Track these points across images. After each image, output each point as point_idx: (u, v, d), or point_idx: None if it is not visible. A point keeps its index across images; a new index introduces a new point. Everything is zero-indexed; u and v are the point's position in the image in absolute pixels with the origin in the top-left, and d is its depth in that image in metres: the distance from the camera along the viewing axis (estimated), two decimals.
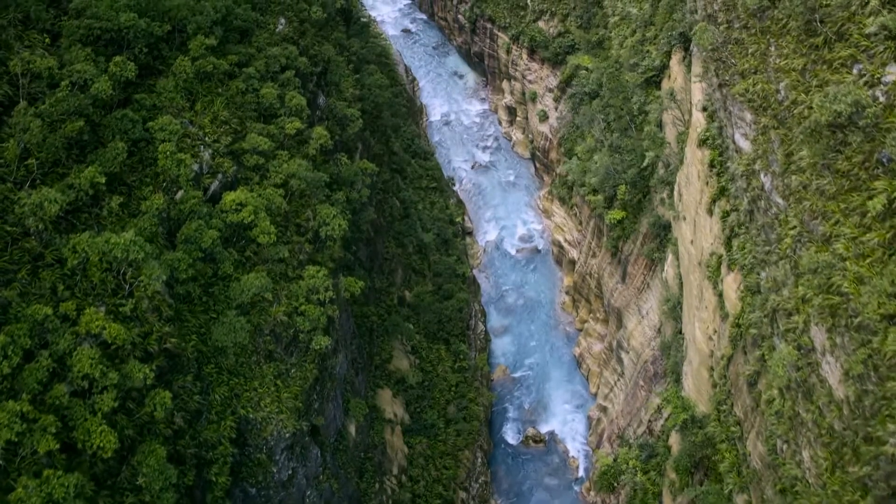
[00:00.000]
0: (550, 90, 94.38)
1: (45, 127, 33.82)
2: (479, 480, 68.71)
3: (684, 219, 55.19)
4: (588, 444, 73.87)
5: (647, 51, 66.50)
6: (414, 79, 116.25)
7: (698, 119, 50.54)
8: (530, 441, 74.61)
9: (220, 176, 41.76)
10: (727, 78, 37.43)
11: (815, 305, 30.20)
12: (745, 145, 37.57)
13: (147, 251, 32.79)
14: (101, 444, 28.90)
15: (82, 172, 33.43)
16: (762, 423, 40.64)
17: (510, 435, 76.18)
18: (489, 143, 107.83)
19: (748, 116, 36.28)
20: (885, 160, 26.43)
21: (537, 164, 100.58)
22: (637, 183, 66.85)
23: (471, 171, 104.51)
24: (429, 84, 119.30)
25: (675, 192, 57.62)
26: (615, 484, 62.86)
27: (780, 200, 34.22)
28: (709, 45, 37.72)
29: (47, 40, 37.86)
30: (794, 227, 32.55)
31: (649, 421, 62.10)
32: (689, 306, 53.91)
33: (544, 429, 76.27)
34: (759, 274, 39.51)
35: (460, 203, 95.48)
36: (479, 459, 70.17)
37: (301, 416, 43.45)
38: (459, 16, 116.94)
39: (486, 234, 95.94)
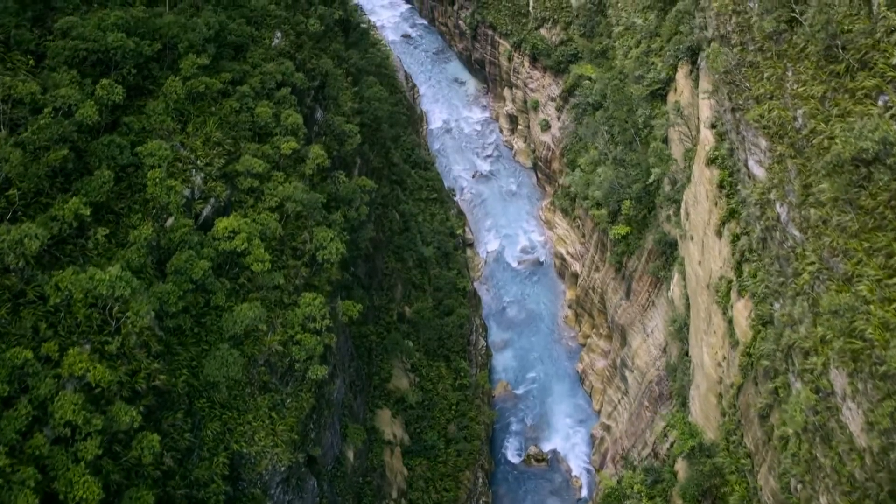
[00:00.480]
0: (553, 99, 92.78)
1: (27, 156, 32.26)
2: (480, 501, 67.24)
3: (692, 238, 53.68)
4: (591, 463, 72.37)
5: (653, 63, 64.93)
6: (414, 85, 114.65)
7: (707, 137, 49.02)
8: (532, 460, 73.12)
9: (212, 201, 40.23)
10: (741, 102, 35.89)
11: (835, 348, 28.72)
12: (760, 172, 36.03)
13: (134, 286, 31.26)
14: (84, 496, 27.39)
15: (66, 204, 31.86)
16: (774, 457, 39.16)
17: (512, 453, 74.69)
18: (490, 152, 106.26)
19: (763, 143, 34.74)
20: None
21: (539, 174, 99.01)
22: (642, 198, 65.31)
23: (472, 180, 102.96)
24: (429, 90, 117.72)
25: (682, 211, 56.10)
26: None
27: (796, 233, 32.70)
28: (721, 68, 36.15)
29: (31, 62, 36.29)
30: (813, 262, 31.04)
31: (654, 443, 60.60)
32: (697, 329, 52.40)
33: (547, 446, 74.78)
34: (772, 305, 38.01)
35: (461, 214, 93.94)
36: (480, 480, 68.69)
37: (297, 448, 41.99)
38: (460, 22, 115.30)
39: (488, 244, 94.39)
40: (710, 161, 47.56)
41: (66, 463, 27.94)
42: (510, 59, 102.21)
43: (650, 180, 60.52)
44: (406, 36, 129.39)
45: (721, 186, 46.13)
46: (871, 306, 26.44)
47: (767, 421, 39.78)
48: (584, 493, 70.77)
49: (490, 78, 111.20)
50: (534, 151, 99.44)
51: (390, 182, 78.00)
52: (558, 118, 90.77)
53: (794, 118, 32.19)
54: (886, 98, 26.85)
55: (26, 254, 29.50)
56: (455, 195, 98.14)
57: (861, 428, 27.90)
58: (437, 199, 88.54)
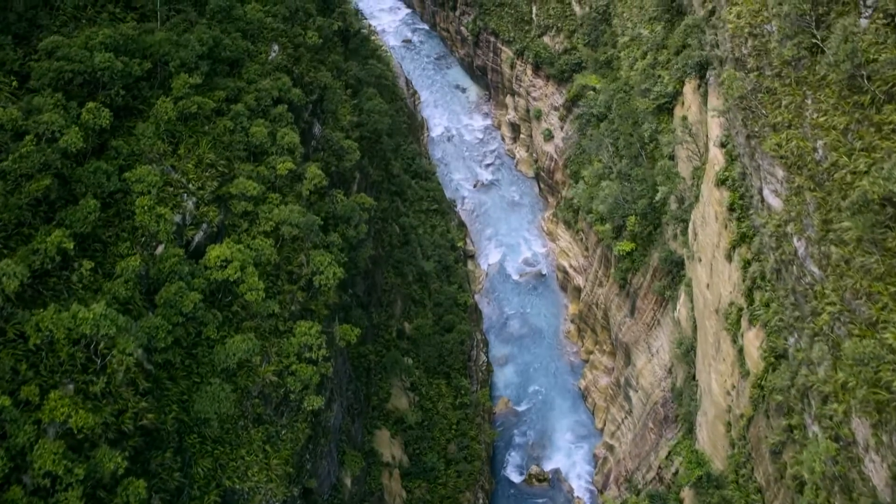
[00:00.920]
0: (556, 108, 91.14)
1: (8, 185, 30.69)
2: None
3: (699, 260, 52.07)
4: (594, 483, 70.87)
5: (660, 76, 63.35)
6: (415, 92, 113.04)
7: (716, 156, 47.42)
8: (534, 479, 71.61)
9: (204, 226, 38.62)
10: (756, 129, 34.30)
11: (858, 397, 27.23)
12: (776, 203, 34.46)
13: (120, 324, 29.70)
14: None
15: (48, 237, 30.27)
16: (787, 496, 37.70)
17: (513, 472, 73.19)
18: (492, 160, 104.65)
19: (780, 173, 33.18)
20: None
21: (541, 185, 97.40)
22: (648, 215, 63.74)
23: (473, 189, 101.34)
24: (430, 96, 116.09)
25: (690, 231, 54.50)
26: None
27: (816, 270, 31.15)
28: (737, 93, 34.58)
29: (14, 83, 34.66)
30: (833, 303, 29.51)
31: (659, 468, 59.07)
32: (705, 354, 50.84)
33: (548, 465, 73.28)
34: (786, 339, 36.50)
35: (462, 225, 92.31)
36: (481, 500, 67.20)
37: (292, 482, 40.43)
38: (462, 28, 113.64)
39: (489, 255, 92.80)
40: (720, 182, 45.96)
41: None
42: (512, 66, 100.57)
43: (657, 198, 58.88)
44: (407, 41, 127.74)
45: (731, 209, 44.53)
46: None
47: (780, 457, 38.28)
48: None
49: (492, 85, 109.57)
50: (536, 161, 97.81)
51: (390, 194, 76.40)
52: (561, 128, 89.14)
53: (815, 149, 30.63)
54: None
55: (6, 292, 27.93)
56: (456, 205, 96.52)
57: (885, 482, 26.44)
58: (437, 209, 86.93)
